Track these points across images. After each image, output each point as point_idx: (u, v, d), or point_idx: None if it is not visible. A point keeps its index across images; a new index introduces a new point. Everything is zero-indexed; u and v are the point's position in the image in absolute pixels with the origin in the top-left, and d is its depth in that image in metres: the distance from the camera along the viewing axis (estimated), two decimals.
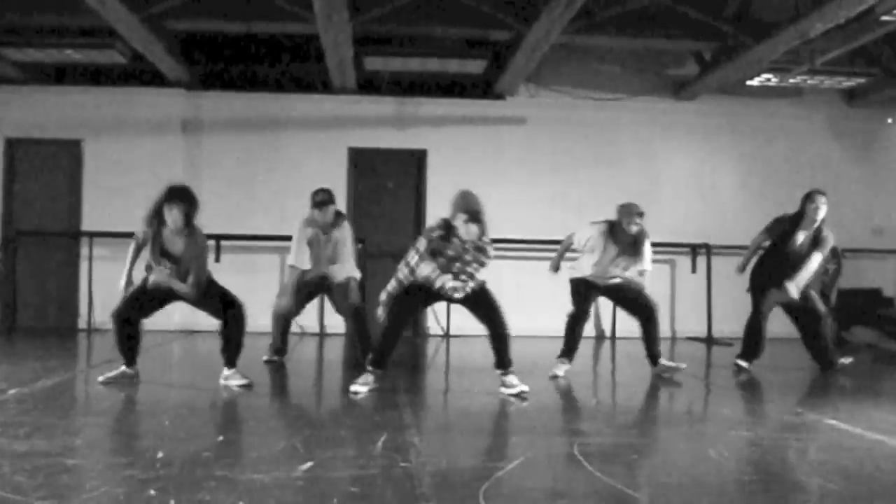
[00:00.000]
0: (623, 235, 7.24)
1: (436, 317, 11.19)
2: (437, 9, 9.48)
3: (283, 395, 6.62)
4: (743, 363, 7.93)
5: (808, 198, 7.75)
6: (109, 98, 11.15)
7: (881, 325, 10.48)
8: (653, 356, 7.30)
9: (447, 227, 6.12)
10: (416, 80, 11.33)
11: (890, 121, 11.92)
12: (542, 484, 3.81)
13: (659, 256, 11.53)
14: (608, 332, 11.22)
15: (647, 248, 7.42)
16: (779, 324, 11.44)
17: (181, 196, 6.22)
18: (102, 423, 4.89)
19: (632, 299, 7.36)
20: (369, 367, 6.19)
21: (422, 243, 6.13)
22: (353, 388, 6.08)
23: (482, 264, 6.24)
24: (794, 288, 7.54)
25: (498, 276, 11.34)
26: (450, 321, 10.90)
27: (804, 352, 7.92)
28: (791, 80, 10.53)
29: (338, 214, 7.73)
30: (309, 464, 3.86)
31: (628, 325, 10.86)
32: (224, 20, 9.60)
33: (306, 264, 7.56)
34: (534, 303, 10.12)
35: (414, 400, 6.18)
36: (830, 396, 6.86)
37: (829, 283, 11.25)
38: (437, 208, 11.24)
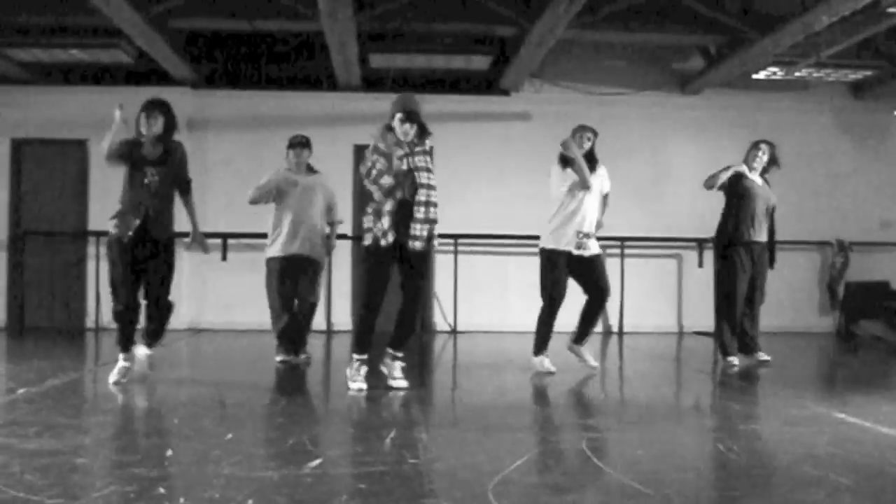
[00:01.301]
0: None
1: (443, 313, 11.20)
2: (441, 5, 9.49)
3: (291, 392, 6.62)
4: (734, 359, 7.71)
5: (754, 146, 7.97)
6: (115, 97, 11.03)
7: (889, 317, 10.46)
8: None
9: (388, 129, 5.98)
10: (421, 77, 11.33)
11: (895, 113, 11.88)
12: (551, 480, 3.81)
13: (666, 251, 11.56)
14: (615, 328, 11.21)
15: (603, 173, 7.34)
16: (783, 317, 11.48)
17: (159, 104, 6.30)
18: (111, 422, 4.90)
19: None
20: (353, 355, 6.06)
21: (369, 158, 5.94)
22: (351, 385, 6.00)
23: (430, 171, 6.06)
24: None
25: (504, 272, 11.43)
26: (457, 317, 10.92)
27: (809, 345, 7.85)
28: (797, 74, 10.51)
29: (310, 168, 7.72)
30: (317, 461, 3.86)
31: (635, 321, 10.93)
32: (229, 18, 9.63)
33: (257, 193, 7.51)
34: (537, 297, 10.10)
35: (421, 396, 6.17)
36: (838, 389, 6.85)
37: (837, 276, 11.26)
38: (443, 205, 11.25)
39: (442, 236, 10.98)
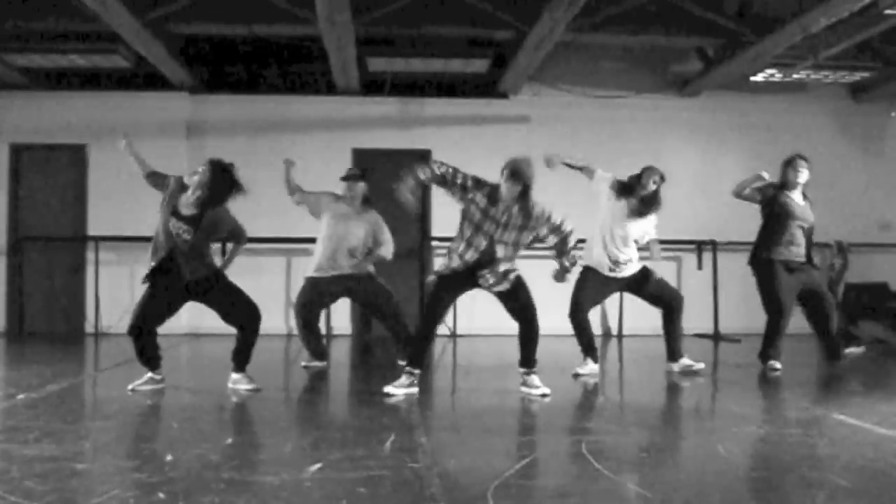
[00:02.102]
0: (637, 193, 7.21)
1: None
2: (439, 9, 9.49)
3: (291, 396, 6.62)
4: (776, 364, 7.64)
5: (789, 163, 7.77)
6: (113, 102, 11.16)
7: (889, 319, 10.46)
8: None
9: (495, 188, 6.00)
10: (420, 81, 11.34)
11: (893, 114, 11.89)
12: (551, 483, 3.81)
13: (664, 254, 11.54)
14: (615, 331, 11.22)
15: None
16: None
17: (219, 167, 6.15)
18: (111, 427, 4.90)
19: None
20: (407, 368, 6.12)
21: (470, 181, 6.03)
22: (388, 389, 6.00)
23: (528, 236, 6.11)
24: None
25: None
26: (456, 321, 10.90)
27: (808, 346, 7.86)
28: (795, 76, 10.52)
29: (367, 200, 7.70)
30: (317, 465, 3.86)
31: (636, 323, 10.92)
32: (226, 23, 9.63)
33: (294, 194, 7.71)
34: (536, 301, 10.11)
35: (421, 400, 6.17)
36: (839, 391, 6.85)
37: (836, 277, 11.25)
38: (442, 208, 11.26)
39: (441, 239, 11.09)
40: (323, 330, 10.92)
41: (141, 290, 10.90)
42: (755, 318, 11.42)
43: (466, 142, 11.30)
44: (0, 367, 7.95)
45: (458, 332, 11.03)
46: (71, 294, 11.13)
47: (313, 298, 7.57)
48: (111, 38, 9.52)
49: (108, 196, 11.08)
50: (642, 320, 10.84)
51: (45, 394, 5.97)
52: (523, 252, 6.20)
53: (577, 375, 7.06)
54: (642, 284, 7.38)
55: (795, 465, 3.96)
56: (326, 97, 11.33)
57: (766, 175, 7.57)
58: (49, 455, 4.01)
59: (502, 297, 6.14)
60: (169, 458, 4.00)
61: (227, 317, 6.32)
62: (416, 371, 6.09)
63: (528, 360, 6.15)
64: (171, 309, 6.29)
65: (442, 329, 11.11)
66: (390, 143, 11.28)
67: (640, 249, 7.37)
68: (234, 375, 6.31)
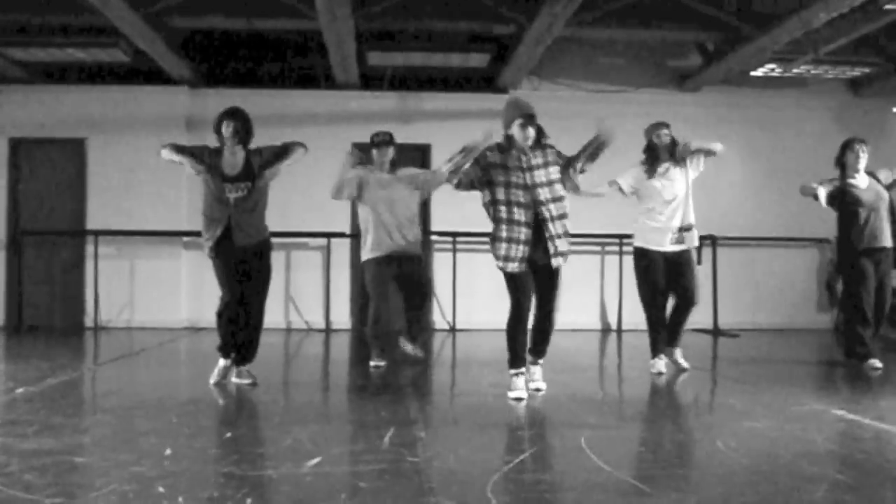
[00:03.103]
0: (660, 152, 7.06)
1: (441, 311, 11.20)
2: (439, 3, 9.49)
3: (290, 390, 6.62)
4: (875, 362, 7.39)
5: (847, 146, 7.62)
6: (113, 96, 11.16)
7: (891, 314, 10.44)
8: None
9: (507, 139, 5.76)
10: (420, 75, 11.34)
11: (894, 109, 11.88)
12: (550, 477, 3.81)
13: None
14: (614, 325, 11.22)
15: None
16: (782, 314, 11.48)
17: (236, 113, 6.14)
18: (110, 421, 4.90)
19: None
20: (531, 358, 5.89)
21: (479, 157, 5.76)
22: (510, 394, 5.68)
23: (567, 173, 5.81)
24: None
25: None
26: (455, 315, 10.92)
27: (807, 342, 7.82)
28: (795, 71, 10.52)
29: (394, 164, 7.47)
30: (316, 459, 3.86)
31: (635, 318, 10.91)
32: (226, 17, 9.63)
33: (341, 195, 7.35)
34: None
35: (421, 394, 6.18)
36: (837, 386, 6.85)
37: (834, 273, 11.24)
38: (441, 203, 11.26)
39: (441, 234, 11.08)
40: (322, 324, 11.00)
41: (141, 282, 10.96)
42: (754, 313, 11.49)
43: (466, 136, 11.18)
44: None
45: (458, 326, 11.04)
46: (70, 288, 11.14)
47: (384, 277, 7.25)
48: (110, 32, 9.52)
49: (107, 190, 11.09)
50: (642, 315, 10.85)
51: (44, 388, 5.98)
52: None
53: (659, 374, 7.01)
54: (689, 263, 7.15)
55: (794, 461, 3.96)
56: (326, 91, 11.34)
57: (821, 192, 7.41)
58: (48, 449, 4.01)
59: (545, 274, 5.76)
60: (168, 451, 4.00)
61: (251, 297, 6.14)
62: (522, 369, 5.77)
63: (536, 349, 5.96)
64: (238, 273, 6.11)
65: (441, 323, 11.15)
66: None
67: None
68: (241, 368, 6.27)
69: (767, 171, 11.74)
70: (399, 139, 11.19)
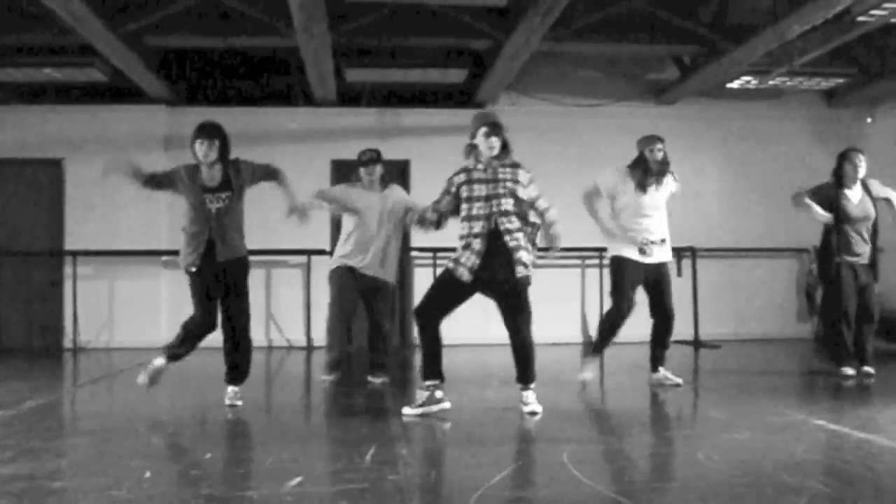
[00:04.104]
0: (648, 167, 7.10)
1: None
2: (416, 19, 9.50)
3: (271, 409, 6.58)
4: (847, 370, 7.45)
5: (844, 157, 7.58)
6: (90, 116, 11.11)
7: None
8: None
9: (471, 148, 5.77)
10: (398, 91, 11.36)
11: (869, 120, 11.98)
12: (532, 493, 3.81)
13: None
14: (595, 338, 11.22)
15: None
16: (762, 324, 11.52)
17: (211, 129, 6.08)
18: (89, 444, 4.85)
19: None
20: (427, 382, 5.73)
21: (447, 185, 5.82)
22: (408, 410, 5.69)
23: (518, 191, 5.65)
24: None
25: None
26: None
27: (787, 351, 7.84)
28: (771, 82, 10.58)
29: (383, 179, 7.43)
30: (297, 479, 3.84)
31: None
32: (203, 35, 9.61)
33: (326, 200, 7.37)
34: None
35: (401, 411, 6.15)
36: (818, 396, 6.88)
37: (814, 282, 11.31)
38: None
39: (420, 250, 11.07)
40: (303, 342, 10.95)
41: (121, 302, 10.87)
42: (734, 324, 11.53)
43: (444, 152, 11.25)
44: None
45: None
46: (48, 309, 11.05)
47: (347, 283, 7.21)
48: (87, 52, 9.48)
49: (86, 210, 11.02)
50: (623, 328, 10.86)
51: (22, 411, 5.92)
52: None
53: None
54: (661, 282, 7.12)
55: (775, 471, 3.96)
56: (304, 109, 11.33)
57: (820, 214, 7.50)
58: (26, 473, 3.97)
59: (508, 292, 5.66)
60: (147, 474, 3.97)
61: (232, 318, 6.07)
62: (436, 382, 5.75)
63: (526, 376, 5.80)
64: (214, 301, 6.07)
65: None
66: None
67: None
68: (232, 389, 6.19)
69: (745, 182, 11.81)
70: None
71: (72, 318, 10.81)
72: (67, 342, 10.87)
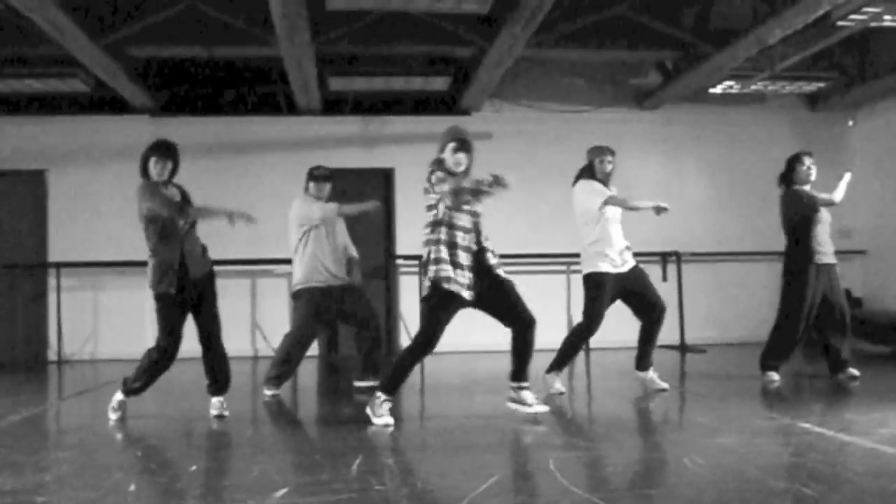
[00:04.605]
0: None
1: (409, 334, 11.16)
2: (399, 27, 9.51)
3: (257, 420, 6.56)
4: (773, 375, 7.50)
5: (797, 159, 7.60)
6: (73, 127, 11.08)
7: (853, 326, 10.54)
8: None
9: (438, 163, 5.67)
10: (382, 99, 11.36)
11: (851, 123, 12.06)
12: (518, 500, 3.80)
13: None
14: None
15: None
16: (748, 328, 11.54)
17: (167, 149, 5.93)
18: (73, 458, 4.82)
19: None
20: (381, 394, 5.59)
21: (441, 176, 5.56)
22: (377, 421, 5.54)
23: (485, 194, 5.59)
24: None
25: None
26: None
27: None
28: (753, 87, 10.65)
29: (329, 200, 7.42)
30: (283, 490, 3.82)
31: (602, 336, 10.91)
32: (185, 45, 9.59)
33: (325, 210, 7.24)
34: None
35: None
36: (803, 399, 6.90)
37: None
38: (407, 226, 11.25)
39: (406, 257, 11.07)
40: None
41: (105, 314, 10.81)
42: (720, 328, 11.56)
43: (429, 159, 11.21)
44: None
45: None
46: (32, 321, 11.00)
47: (317, 305, 7.17)
48: (69, 63, 9.45)
49: (69, 222, 10.98)
50: (608, 333, 10.87)
51: (5, 424, 5.88)
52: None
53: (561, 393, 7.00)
54: (643, 280, 7.07)
55: (761, 476, 3.97)
56: (288, 117, 11.32)
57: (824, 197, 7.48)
58: (9, 489, 3.94)
59: (499, 286, 5.63)
60: (132, 488, 3.95)
61: (206, 325, 6.01)
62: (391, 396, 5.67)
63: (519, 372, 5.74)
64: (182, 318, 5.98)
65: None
66: (353, 163, 11.27)
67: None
68: (217, 400, 6.15)
69: (729, 186, 11.86)
70: (362, 163, 11.30)
71: (56, 330, 10.75)
72: (52, 354, 10.81)
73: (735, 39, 9.09)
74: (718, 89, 10.82)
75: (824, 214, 7.54)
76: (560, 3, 8.49)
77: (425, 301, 5.54)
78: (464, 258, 5.52)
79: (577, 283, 11.24)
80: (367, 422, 5.52)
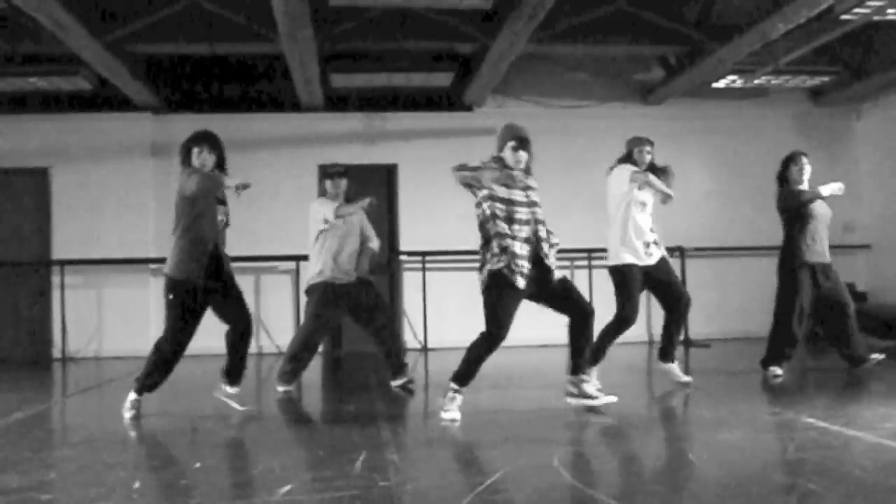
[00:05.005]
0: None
1: (413, 331, 11.17)
2: (401, 23, 9.50)
3: (259, 418, 6.55)
4: (776, 370, 7.47)
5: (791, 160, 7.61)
6: (76, 124, 11.08)
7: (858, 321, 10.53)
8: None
9: (498, 161, 5.72)
10: (384, 95, 11.35)
11: (855, 118, 12.03)
12: (522, 497, 3.80)
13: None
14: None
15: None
16: (749, 322, 11.52)
17: (205, 138, 5.96)
18: (77, 456, 4.82)
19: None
20: (454, 384, 5.63)
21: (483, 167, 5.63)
22: (444, 415, 5.59)
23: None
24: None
25: (473, 288, 11.35)
26: (427, 334, 10.88)
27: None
28: (756, 81, 10.62)
29: (349, 199, 7.37)
30: (287, 487, 3.82)
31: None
32: (188, 42, 9.59)
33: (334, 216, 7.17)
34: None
35: (392, 417, 6.15)
36: (807, 394, 6.90)
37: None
38: (410, 223, 11.26)
39: (409, 254, 11.09)
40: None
41: (109, 311, 10.82)
42: (724, 323, 11.55)
43: (431, 155, 11.29)
44: None
45: (430, 345, 11.00)
46: (37, 319, 11.01)
47: (329, 300, 7.17)
48: (72, 60, 9.46)
49: (73, 219, 10.99)
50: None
51: (10, 422, 5.89)
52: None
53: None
54: (668, 272, 7.10)
55: (765, 471, 3.97)
56: (290, 114, 11.32)
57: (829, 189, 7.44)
58: (14, 486, 3.95)
59: (553, 283, 5.69)
60: (136, 485, 3.95)
61: (234, 318, 6.04)
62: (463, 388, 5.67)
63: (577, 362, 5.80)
64: (198, 317, 5.98)
65: (412, 343, 11.10)
66: (356, 159, 11.22)
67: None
68: (231, 390, 6.17)
69: (732, 180, 11.85)
70: (365, 160, 11.30)
71: (60, 327, 10.77)
72: (56, 352, 10.83)
73: (738, 34, 9.07)
74: (721, 84, 10.80)
75: (820, 210, 7.51)
76: None
77: (485, 293, 5.57)
78: (519, 248, 5.51)
79: (582, 277, 11.31)
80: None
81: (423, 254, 11.01)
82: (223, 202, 6.03)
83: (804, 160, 7.57)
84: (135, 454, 4.83)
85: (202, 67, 11.12)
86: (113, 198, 10.93)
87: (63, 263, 10.82)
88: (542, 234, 5.65)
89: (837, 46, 10.63)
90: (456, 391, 5.61)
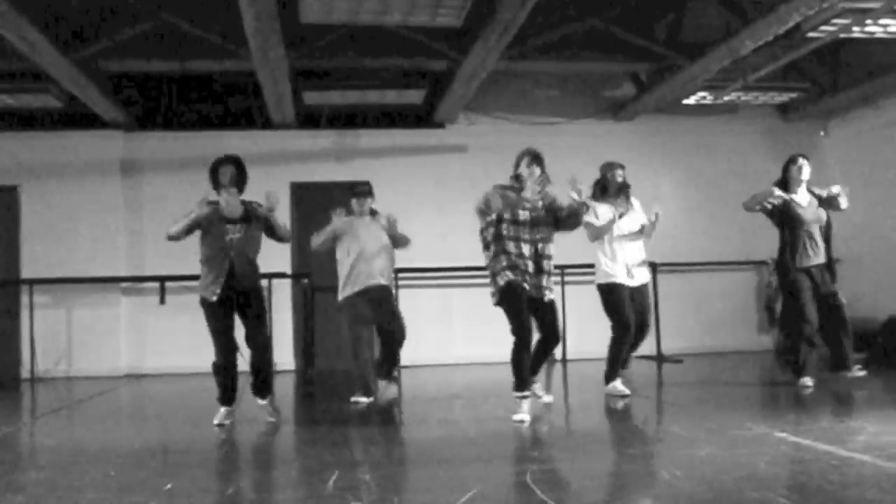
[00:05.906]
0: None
1: None
2: (373, 41, 9.51)
3: (231, 437, 6.50)
4: (807, 380, 7.50)
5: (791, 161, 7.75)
6: (45, 142, 10.99)
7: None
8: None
9: (516, 178, 6.37)
10: (356, 112, 11.34)
11: (822, 133, 12.16)
12: None
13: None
14: (559, 355, 11.23)
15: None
16: (723, 337, 11.59)
17: (226, 158, 6.65)
18: (46, 478, 4.76)
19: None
20: (520, 393, 6.16)
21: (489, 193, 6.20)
22: (518, 417, 6.06)
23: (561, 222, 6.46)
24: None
25: (447, 305, 11.39)
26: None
27: (749, 364, 7.88)
28: (726, 98, 10.72)
29: (372, 213, 7.75)
30: None
31: (580, 347, 10.92)
32: (158, 60, 9.53)
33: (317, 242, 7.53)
34: (481, 329, 10.07)
35: (365, 435, 6.11)
36: (779, 408, 6.93)
37: (773, 295, 11.41)
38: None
39: (404, 270, 11.04)
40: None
41: (79, 331, 10.72)
42: (696, 338, 11.60)
43: (404, 172, 11.31)
44: None
45: (403, 363, 10.95)
46: (5, 339, 10.87)
47: (360, 313, 7.40)
48: (41, 78, 9.38)
49: (42, 238, 10.89)
50: (586, 344, 10.87)
51: None
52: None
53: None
54: (643, 301, 7.55)
55: (738, 487, 3.97)
56: (263, 131, 11.28)
57: (777, 191, 7.57)
58: None
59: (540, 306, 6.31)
60: None
61: (247, 339, 6.44)
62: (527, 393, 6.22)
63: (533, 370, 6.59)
64: (230, 319, 6.39)
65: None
66: (328, 176, 11.25)
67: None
68: (264, 402, 6.59)
69: (703, 196, 11.92)
70: (337, 177, 11.26)
71: (29, 347, 10.64)
72: (25, 372, 10.69)
73: (708, 51, 9.15)
74: (692, 100, 10.89)
75: (808, 216, 7.58)
76: (534, 15, 8.51)
77: (501, 305, 6.22)
78: (528, 265, 6.23)
79: (569, 292, 11.32)
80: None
81: (396, 271, 10.96)
82: (231, 221, 6.41)
83: (802, 160, 7.72)
84: (103, 475, 4.76)
85: (172, 84, 11.07)
86: (83, 216, 10.84)
87: (32, 282, 10.70)
88: (543, 250, 6.35)
89: (805, 63, 10.74)
90: (520, 398, 6.15)
